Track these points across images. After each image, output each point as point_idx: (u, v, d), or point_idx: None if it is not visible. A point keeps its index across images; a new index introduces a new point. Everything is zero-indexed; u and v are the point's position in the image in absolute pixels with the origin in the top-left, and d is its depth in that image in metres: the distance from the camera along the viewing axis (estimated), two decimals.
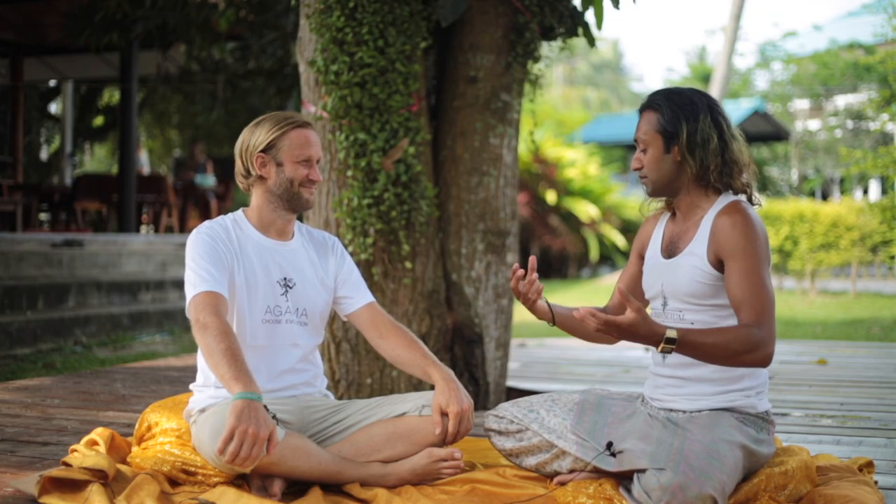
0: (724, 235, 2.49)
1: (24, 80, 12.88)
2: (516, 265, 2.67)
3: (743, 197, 2.62)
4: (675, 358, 2.59)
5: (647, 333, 2.33)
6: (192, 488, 2.60)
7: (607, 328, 2.32)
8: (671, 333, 2.34)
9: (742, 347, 2.37)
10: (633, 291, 2.76)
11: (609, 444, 2.54)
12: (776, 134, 20.49)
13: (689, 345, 2.36)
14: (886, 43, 13.99)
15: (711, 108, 2.57)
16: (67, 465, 2.63)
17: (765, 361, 2.42)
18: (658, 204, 2.76)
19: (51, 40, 11.67)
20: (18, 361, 5.80)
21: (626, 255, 18.13)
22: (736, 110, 19.42)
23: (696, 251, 2.55)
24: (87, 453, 2.65)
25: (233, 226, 2.78)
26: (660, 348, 2.36)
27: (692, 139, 2.53)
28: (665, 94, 2.61)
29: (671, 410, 2.61)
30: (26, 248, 7.31)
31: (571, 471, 2.64)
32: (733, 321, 2.51)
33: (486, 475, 2.71)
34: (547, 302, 2.74)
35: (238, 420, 2.28)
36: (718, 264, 2.52)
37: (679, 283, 2.56)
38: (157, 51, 10.43)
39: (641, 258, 2.77)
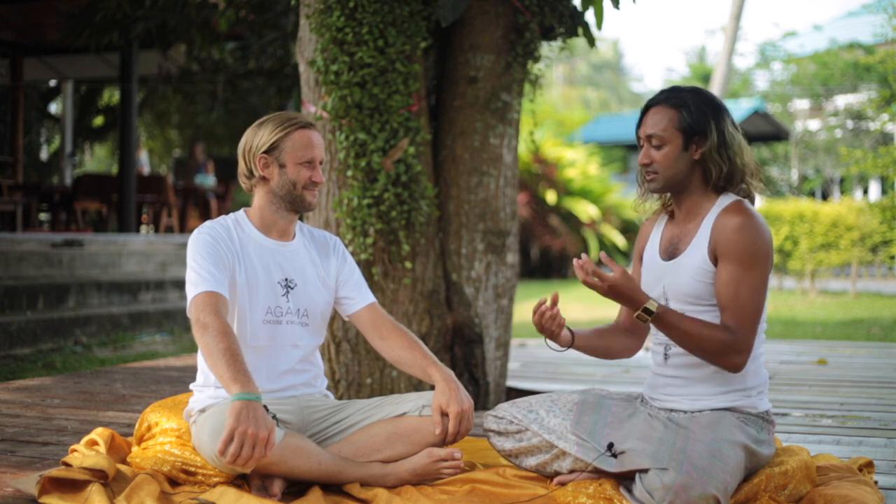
0: (723, 235, 2.50)
1: (24, 80, 12.88)
2: (543, 300, 2.65)
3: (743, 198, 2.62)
4: (676, 359, 2.60)
5: (629, 296, 2.47)
6: (192, 488, 2.60)
7: (597, 279, 2.45)
8: (651, 305, 2.46)
9: (711, 348, 2.46)
10: None
11: (610, 445, 2.54)
12: (776, 134, 20.49)
13: (665, 323, 2.48)
14: (886, 43, 13.99)
15: (729, 111, 2.59)
16: (67, 465, 2.63)
17: (733, 368, 2.49)
18: (652, 205, 2.75)
19: (51, 40, 11.67)
20: (18, 361, 5.80)
21: (626, 255, 18.15)
22: (736, 110, 19.42)
23: (699, 251, 2.55)
24: (87, 453, 2.65)
25: (234, 226, 2.78)
26: (635, 315, 2.48)
27: (722, 139, 2.53)
28: (689, 92, 2.59)
29: (672, 410, 2.61)
30: (26, 248, 7.31)
31: (571, 471, 2.64)
32: None
33: (486, 475, 2.71)
34: (569, 329, 2.73)
35: (237, 421, 2.28)
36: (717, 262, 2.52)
37: (681, 283, 2.56)
38: (157, 51, 10.42)
39: (642, 260, 2.77)
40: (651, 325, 2.55)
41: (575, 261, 2.48)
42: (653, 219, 2.78)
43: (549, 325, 2.66)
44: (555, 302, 2.65)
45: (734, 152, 2.55)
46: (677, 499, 2.22)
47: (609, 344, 2.80)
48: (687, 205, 2.63)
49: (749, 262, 2.47)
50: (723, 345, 2.45)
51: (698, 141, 2.55)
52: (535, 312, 2.65)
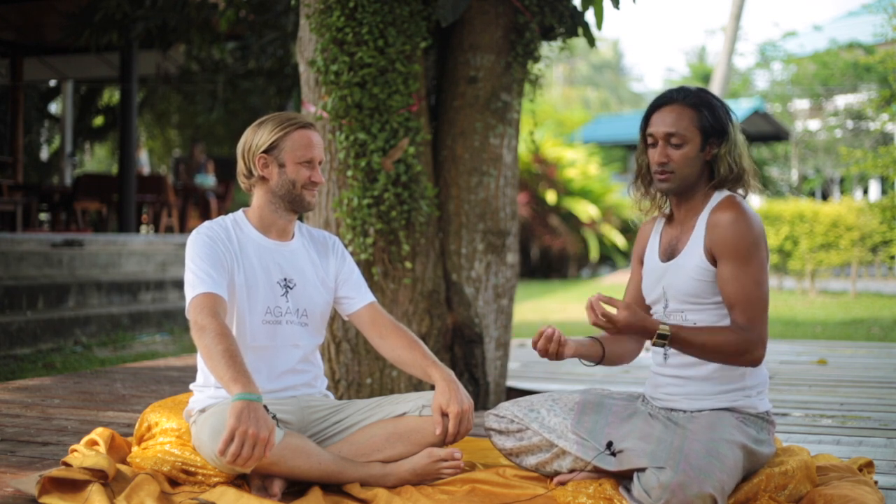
0: (717, 232, 2.50)
1: (24, 80, 12.88)
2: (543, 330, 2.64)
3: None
4: (676, 358, 2.60)
5: (641, 328, 2.47)
6: (192, 488, 2.60)
7: (606, 322, 2.45)
8: (663, 330, 2.46)
9: (732, 350, 2.47)
10: (640, 298, 2.76)
11: (609, 444, 2.54)
12: (776, 134, 20.49)
13: (681, 341, 2.48)
14: (886, 43, 13.99)
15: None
16: (67, 465, 2.63)
17: (754, 363, 2.51)
18: (650, 204, 2.74)
19: (51, 40, 11.68)
20: (18, 361, 5.80)
21: (625, 255, 18.16)
22: (736, 110, 19.18)
23: (696, 251, 2.55)
24: (87, 453, 2.65)
25: (233, 226, 2.78)
26: (653, 342, 2.50)
27: (735, 140, 2.56)
28: (704, 92, 2.60)
29: (672, 410, 2.61)
30: (26, 248, 7.31)
31: (571, 470, 2.64)
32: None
33: (486, 475, 2.70)
34: (598, 340, 2.74)
35: (238, 421, 2.28)
36: (715, 261, 2.52)
37: (680, 284, 2.56)
38: (157, 51, 10.42)
39: (642, 264, 2.77)
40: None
41: (588, 301, 2.47)
42: (650, 221, 2.78)
43: (552, 350, 2.64)
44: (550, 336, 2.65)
45: (740, 153, 2.57)
46: (674, 498, 2.22)
47: (620, 351, 2.80)
48: (688, 205, 2.62)
49: (746, 255, 2.47)
50: (740, 345, 2.46)
51: (713, 141, 2.56)
52: (537, 340, 2.63)
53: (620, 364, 2.82)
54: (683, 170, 2.56)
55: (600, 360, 2.74)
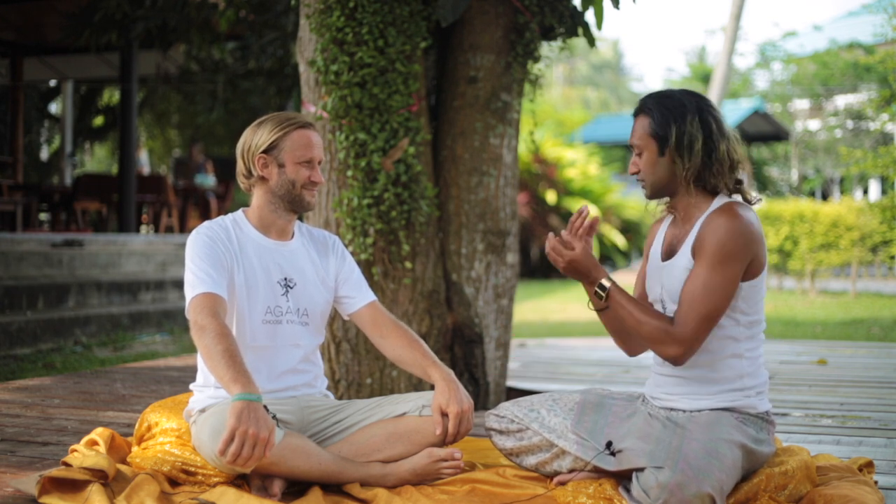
0: (702, 234, 2.51)
1: (24, 80, 12.88)
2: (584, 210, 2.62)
3: (739, 198, 2.61)
4: None
5: (585, 272, 2.54)
6: (192, 488, 2.60)
7: (556, 252, 2.53)
8: (606, 283, 2.53)
9: (649, 333, 2.50)
10: (645, 294, 2.76)
11: (609, 444, 2.54)
12: (776, 134, 20.50)
13: (614, 301, 2.54)
14: (886, 43, 14.00)
15: (700, 109, 2.56)
16: (67, 465, 2.63)
17: (670, 360, 2.51)
18: (663, 205, 2.76)
19: (51, 40, 11.68)
20: (18, 361, 5.80)
21: (626, 255, 18.18)
22: (736, 110, 19.42)
23: (687, 252, 2.55)
24: (87, 453, 2.65)
25: (233, 226, 2.78)
26: (591, 291, 2.56)
27: (680, 141, 2.54)
28: (656, 97, 2.61)
29: (672, 409, 2.61)
30: (26, 248, 7.31)
31: (571, 470, 2.64)
32: (735, 325, 2.53)
33: (486, 475, 2.71)
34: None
35: (238, 421, 2.29)
36: None
37: (674, 284, 2.57)
38: (157, 51, 10.43)
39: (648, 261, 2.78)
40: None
41: (549, 235, 2.56)
42: (661, 219, 2.79)
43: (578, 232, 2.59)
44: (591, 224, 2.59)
45: (695, 152, 2.53)
46: (672, 497, 2.22)
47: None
48: (682, 207, 2.63)
49: (713, 261, 2.47)
50: (659, 332, 2.48)
51: (668, 144, 2.56)
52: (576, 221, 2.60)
53: (625, 337, 2.73)
54: (649, 176, 2.60)
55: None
